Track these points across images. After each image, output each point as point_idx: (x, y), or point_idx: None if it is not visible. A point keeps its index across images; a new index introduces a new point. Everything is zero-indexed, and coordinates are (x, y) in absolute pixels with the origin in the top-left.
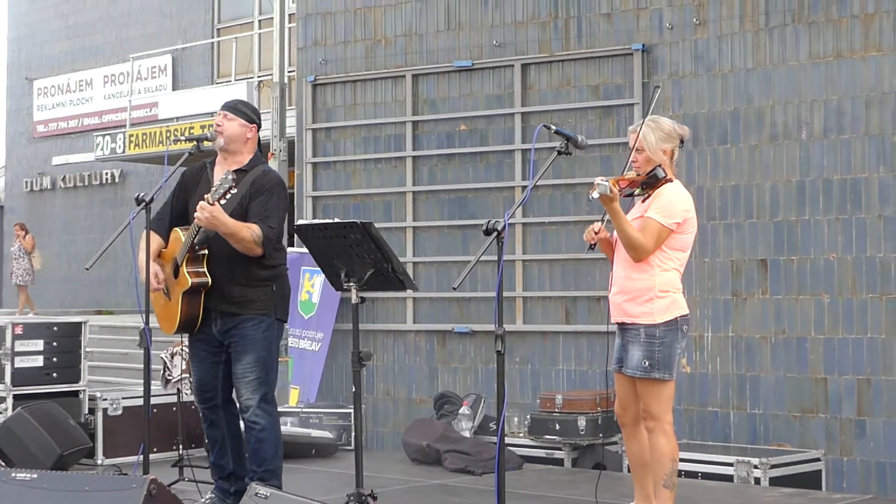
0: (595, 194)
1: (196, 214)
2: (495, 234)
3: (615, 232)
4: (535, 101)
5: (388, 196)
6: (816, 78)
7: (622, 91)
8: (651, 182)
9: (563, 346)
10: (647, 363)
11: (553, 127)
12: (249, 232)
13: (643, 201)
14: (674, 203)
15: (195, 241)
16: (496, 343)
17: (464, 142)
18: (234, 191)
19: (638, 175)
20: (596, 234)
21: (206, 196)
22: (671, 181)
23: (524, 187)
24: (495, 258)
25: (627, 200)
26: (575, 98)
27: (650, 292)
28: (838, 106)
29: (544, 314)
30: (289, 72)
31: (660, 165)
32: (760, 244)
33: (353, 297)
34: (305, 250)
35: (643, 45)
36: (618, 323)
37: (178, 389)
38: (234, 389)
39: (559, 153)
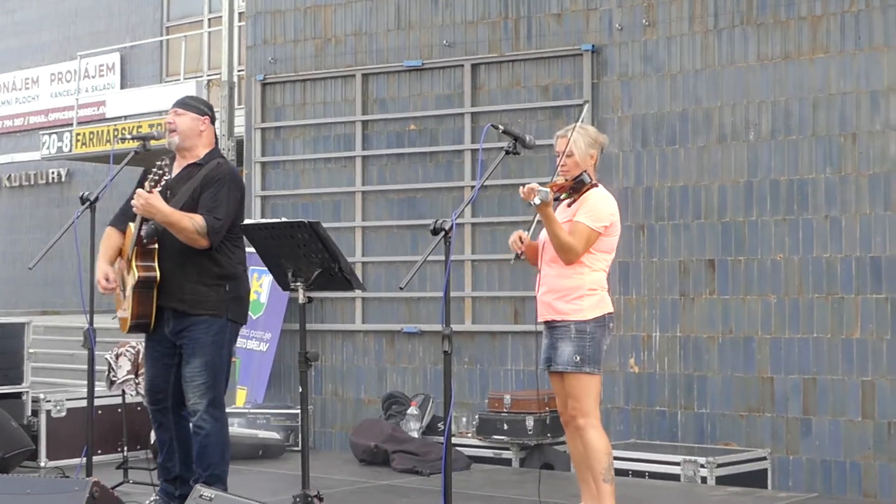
0: (537, 200)
1: (133, 202)
2: (443, 233)
3: (542, 235)
4: (484, 101)
5: (337, 196)
6: (764, 79)
7: (571, 91)
8: (577, 187)
9: (512, 346)
10: (578, 358)
11: (500, 127)
12: (191, 222)
13: (568, 205)
14: (601, 207)
15: (142, 233)
16: (443, 343)
17: (413, 142)
18: (167, 176)
19: (566, 180)
20: (523, 242)
21: (144, 184)
22: (596, 186)
23: (472, 187)
24: (444, 258)
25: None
26: (524, 98)
27: (580, 290)
28: (786, 107)
29: (493, 314)
30: (238, 71)
31: (585, 171)
32: (708, 245)
33: (301, 296)
34: (253, 250)
35: (593, 45)
36: (546, 322)
37: (122, 391)
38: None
39: (507, 153)
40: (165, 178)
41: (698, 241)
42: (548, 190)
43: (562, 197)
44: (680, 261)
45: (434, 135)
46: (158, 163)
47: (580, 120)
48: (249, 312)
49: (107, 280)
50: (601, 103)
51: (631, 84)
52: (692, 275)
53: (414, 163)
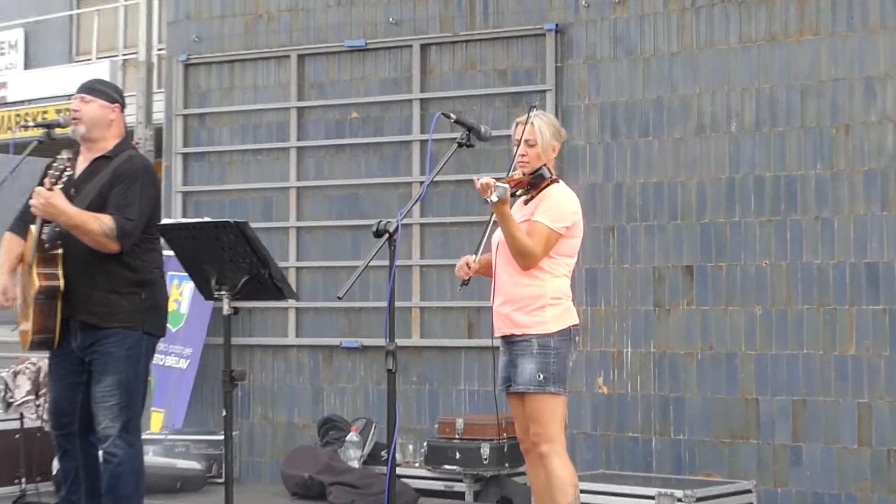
0: (494, 197)
1: (31, 202)
2: (387, 235)
3: (496, 237)
4: (435, 86)
5: (268, 192)
6: (747, 64)
7: (533, 76)
8: (536, 182)
9: (466, 364)
10: (541, 376)
11: (453, 115)
12: (97, 223)
13: (525, 203)
14: (562, 205)
15: (43, 237)
16: (387, 360)
17: (355, 131)
18: (69, 171)
19: (524, 174)
20: (470, 268)
21: (44, 181)
22: (557, 182)
23: (422, 182)
24: (388, 263)
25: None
26: (480, 83)
27: (541, 299)
28: (771, 95)
29: (444, 327)
30: (157, 50)
31: (545, 164)
32: (686, 248)
33: (226, 307)
34: (171, 253)
35: (556, 24)
36: (504, 336)
37: (21, 414)
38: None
39: (460, 145)
40: (68, 173)
41: (674, 244)
42: (506, 186)
43: (518, 193)
44: (654, 267)
45: (378, 124)
46: (60, 157)
47: (525, 126)
48: (168, 324)
49: (5, 294)
50: (566, 89)
51: (599, 68)
52: (668, 283)
53: (356, 155)
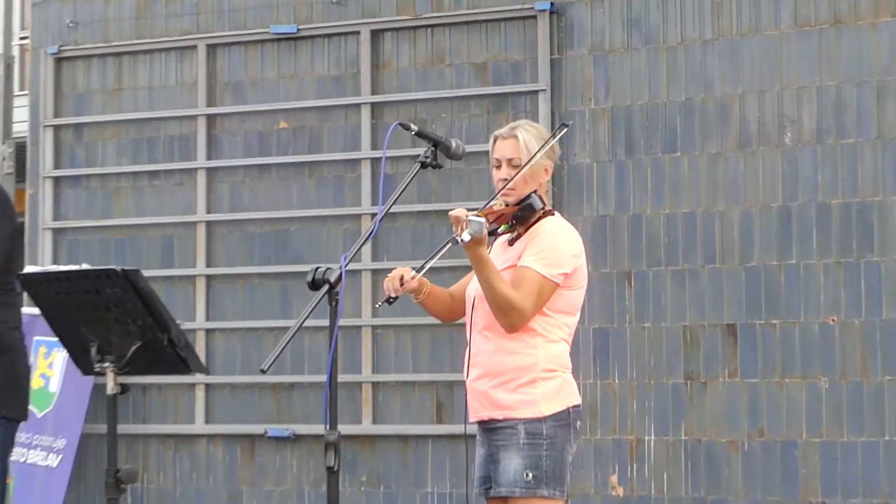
0: (466, 236)
1: None
2: (328, 287)
3: (471, 288)
4: (391, 85)
5: (168, 229)
6: (806, 55)
7: (520, 72)
8: (524, 215)
9: (434, 458)
10: (529, 475)
11: (414, 126)
12: None
13: (510, 243)
14: (559, 245)
15: None
16: (327, 454)
17: (284, 146)
18: None
19: (507, 205)
20: (403, 284)
21: None
22: (551, 214)
23: (374, 215)
24: (329, 323)
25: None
26: (451, 82)
27: (531, 372)
28: (838, 95)
29: (405, 409)
30: (19, 39)
31: (536, 191)
32: (727, 301)
33: (110, 384)
34: (37, 311)
35: (552, 2)
36: (482, 421)
37: None
38: None
39: (424, 165)
40: None
41: (712, 295)
42: (482, 220)
43: (499, 230)
44: (685, 326)
45: (316, 136)
46: None
47: (552, 140)
48: (31, 406)
49: None
50: (564, 89)
51: (609, 61)
52: (703, 347)
53: (285, 178)
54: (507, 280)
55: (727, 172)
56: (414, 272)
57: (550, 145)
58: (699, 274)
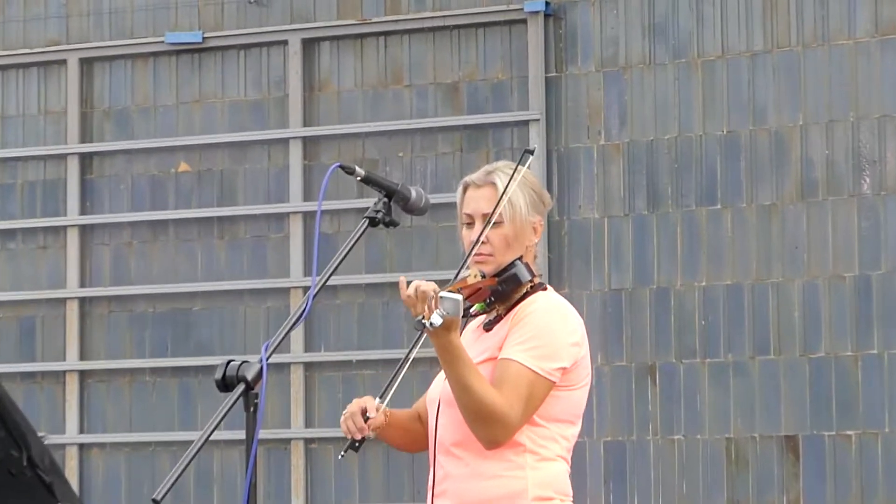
0: (436, 318)
1: None
2: (243, 387)
3: (434, 390)
4: (330, 114)
5: (27, 308)
6: (891, 72)
7: (505, 95)
8: (506, 290)
9: None
10: None
11: (360, 170)
12: None
13: (487, 328)
14: (554, 330)
15: None
16: None
17: (186, 196)
18: None
19: (482, 276)
20: (367, 424)
21: None
22: (542, 289)
23: (306, 288)
24: (245, 438)
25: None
26: (411, 109)
27: (518, 501)
28: None
29: None
30: None
31: (522, 258)
32: (784, 405)
33: None
34: None
35: (547, 2)
36: None
37: None
38: None
39: (373, 222)
40: None
41: (765, 397)
42: (458, 298)
43: (473, 310)
44: (728, 438)
45: (229, 183)
46: None
47: (517, 175)
48: None
49: None
50: (564, 118)
51: (624, 81)
52: (754, 467)
53: (187, 240)
54: (484, 377)
55: (785, 231)
56: (378, 401)
57: (513, 186)
58: (747, 368)
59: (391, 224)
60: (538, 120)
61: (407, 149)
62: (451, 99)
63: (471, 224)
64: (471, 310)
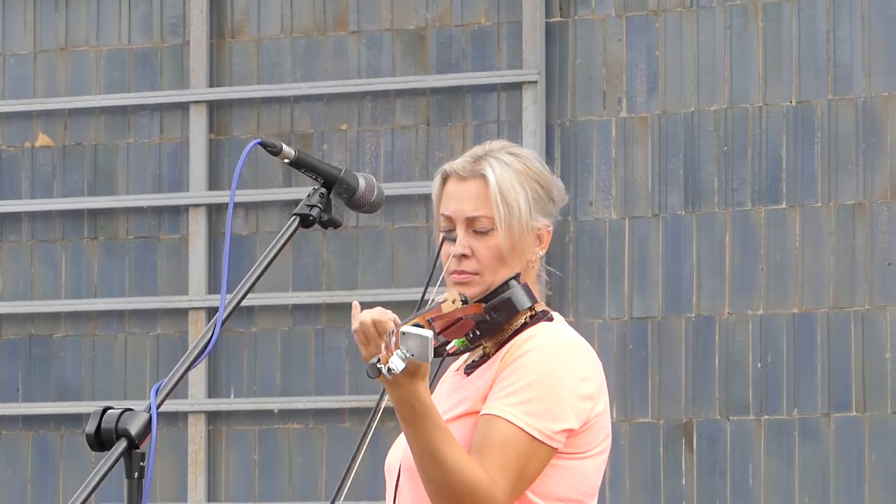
0: (397, 362)
1: None
2: (124, 444)
3: (394, 455)
4: (245, 69)
5: None
6: None
7: (488, 47)
8: (496, 321)
9: None
10: None
11: (288, 150)
12: None
13: (468, 371)
14: (558, 378)
15: None
16: None
17: (43, 179)
18: None
19: (464, 302)
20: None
21: None
22: (546, 318)
23: (211, 310)
24: None
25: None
26: (359, 64)
27: None
28: None
29: None
30: None
31: (517, 277)
32: (871, 481)
33: None
34: None
35: None
36: None
37: None
38: None
39: (305, 220)
40: None
41: (843, 470)
42: (428, 334)
43: (451, 348)
44: None
45: (105, 162)
46: None
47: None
48: None
49: None
50: (571, 81)
51: (655, 29)
52: None
53: (45, 240)
54: (459, 442)
55: (873, 240)
56: None
57: (507, 177)
58: (819, 429)
59: (331, 224)
60: (534, 82)
61: (353, 120)
62: (415, 51)
63: (450, 229)
64: (447, 347)
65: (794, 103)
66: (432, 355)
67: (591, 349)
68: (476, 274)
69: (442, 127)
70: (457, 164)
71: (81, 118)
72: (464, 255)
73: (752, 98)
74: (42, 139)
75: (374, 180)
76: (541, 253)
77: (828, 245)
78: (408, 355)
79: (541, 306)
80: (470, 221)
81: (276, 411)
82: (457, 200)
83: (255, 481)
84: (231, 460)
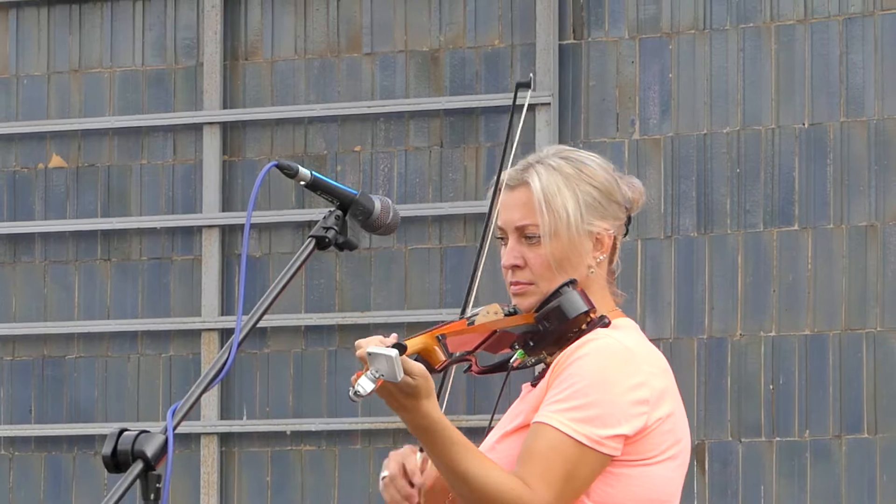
0: (365, 383)
1: None
2: (141, 466)
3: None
4: (259, 91)
5: None
6: None
7: (502, 69)
8: (549, 330)
9: None
10: None
11: (305, 172)
12: None
13: (533, 384)
14: (609, 383)
15: None
16: None
17: (57, 200)
18: None
19: (514, 313)
20: (414, 483)
21: None
22: (602, 324)
23: (224, 332)
24: None
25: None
26: (373, 86)
27: None
28: None
29: None
30: None
31: (571, 282)
32: (883, 503)
33: None
34: None
35: None
36: None
37: None
38: None
39: (322, 243)
40: None
41: (856, 492)
42: (392, 354)
43: (514, 360)
44: None
45: (119, 183)
46: None
47: (517, 125)
48: None
49: None
50: (584, 102)
51: (668, 50)
52: None
53: (59, 262)
54: (506, 454)
55: (886, 262)
56: (421, 455)
57: (554, 182)
58: (831, 451)
59: (346, 246)
60: (548, 104)
61: (366, 141)
62: (428, 73)
63: (504, 239)
64: (513, 359)
65: (806, 125)
66: (401, 373)
67: (654, 354)
68: (531, 284)
69: (455, 148)
70: (509, 172)
71: (95, 139)
72: (516, 266)
73: (764, 120)
74: (55, 160)
75: (390, 202)
76: (601, 257)
77: (840, 267)
78: (377, 376)
79: (600, 312)
80: (519, 230)
81: (288, 433)
82: (506, 210)
83: (267, 503)
84: (243, 482)
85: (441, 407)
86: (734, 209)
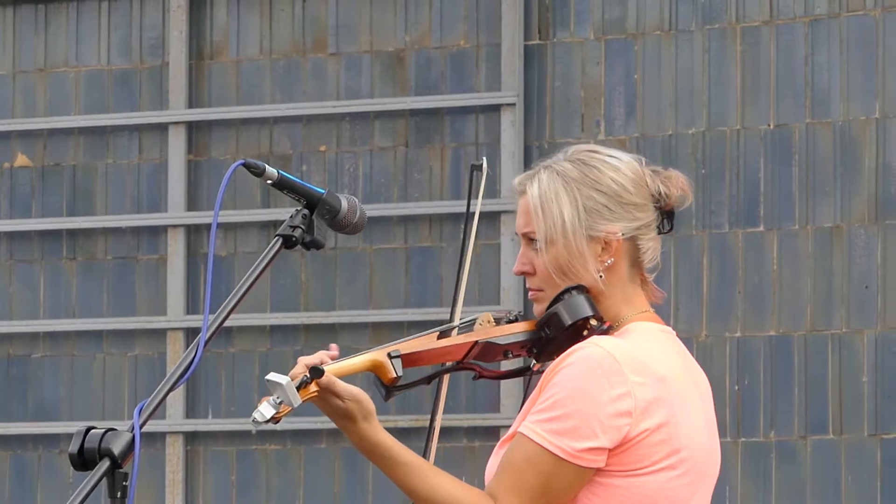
0: (264, 410)
1: None
2: (107, 464)
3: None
4: (224, 90)
5: None
6: None
7: (467, 69)
8: (549, 338)
9: None
10: None
11: (272, 171)
12: None
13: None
14: (587, 394)
15: None
16: None
17: (22, 199)
18: None
19: (515, 319)
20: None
21: None
22: (602, 330)
23: (190, 331)
24: None
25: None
26: (338, 86)
27: None
28: None
29: None
30: None
31: (576, 288)
32: (848, 503)
33: None
34: None
35: None
36: None
37: None
38: None
39: (289, 242)
40: None
41: (821, 492)
42: (283, 380)
43: (534, 366)
44: None
45: (84, 182)
46: None
47: (477, 195)
48: None
49: None
50: (550, 103)
51: (633, 51)
52: None
53: (23, 261)
54: (455, 480)
55: (851, 263)
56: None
57: (551, 186)
58: (796, 452)
59: (313, 245)
60: (513, 105)
61: (332, 141)
62: (393, 73)
63: (525, 241)
64: (531, 367)
65: (771, 127)
66: (297, 400)
67: (651, 362)
68: (540, 290)
69: (420, 148)
70: (518, 177)
71: (60, 139)
72: (526, 272)
73: (730, 121)
74: (21, 159)
75: (357, 201)
76: (609, 261)
77: (805, 268)
78: (278, 402)
79: (624, 315)
80: (526, 237)
81: (253, 432)
82: (516, 216)
83: (232, 502)
84: (208, 481)
85: (436, 412)
86: (699, 210)
